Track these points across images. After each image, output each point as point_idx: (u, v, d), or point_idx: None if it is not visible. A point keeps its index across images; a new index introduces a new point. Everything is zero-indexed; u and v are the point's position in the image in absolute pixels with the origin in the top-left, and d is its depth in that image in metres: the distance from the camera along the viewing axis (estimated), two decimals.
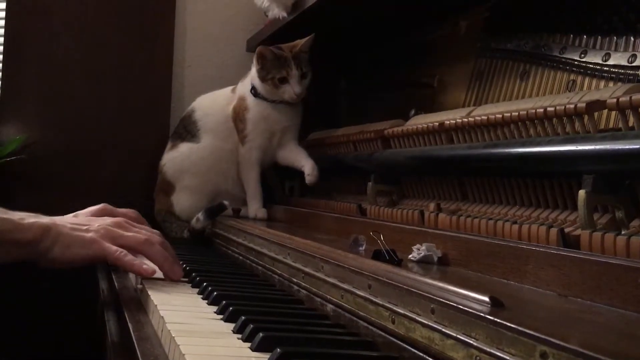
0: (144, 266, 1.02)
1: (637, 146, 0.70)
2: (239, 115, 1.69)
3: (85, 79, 1.94)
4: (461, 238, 0.87)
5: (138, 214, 1.20)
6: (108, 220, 1.09)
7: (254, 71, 1.67)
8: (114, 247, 1.03)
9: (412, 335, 0.62)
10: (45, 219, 1.02)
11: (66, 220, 1.06)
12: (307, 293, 0.90)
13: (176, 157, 1.73)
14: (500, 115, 0.95)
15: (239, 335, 0.70)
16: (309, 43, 1.61)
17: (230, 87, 1.78)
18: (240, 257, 1.26)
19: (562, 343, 0.45)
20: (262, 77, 1.63)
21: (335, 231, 1.24)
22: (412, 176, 1.21)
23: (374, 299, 0.71)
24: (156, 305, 0.81)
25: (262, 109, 1.67)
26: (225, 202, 1.54)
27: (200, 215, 1.53)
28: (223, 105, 1.74)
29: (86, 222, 1.07)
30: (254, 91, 1.67)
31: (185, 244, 1.51)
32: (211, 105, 1.76)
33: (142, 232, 1.09)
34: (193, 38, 2.05)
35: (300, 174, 1.66)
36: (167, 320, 0.73)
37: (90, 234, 1.03)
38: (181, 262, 1.14)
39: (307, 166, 1.60)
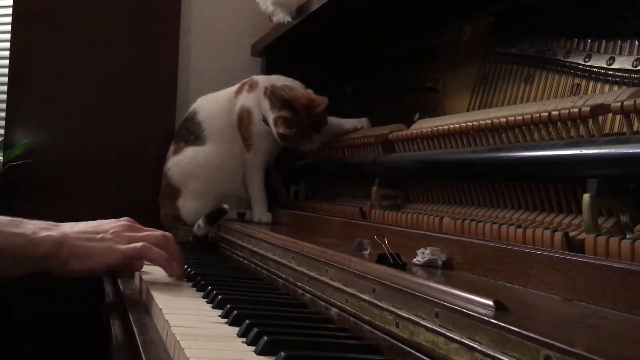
0: (173, 263, 1.05)
1: None
2: (244, 125, 1.69)
3: (91, 84, 1.95)
4: (465, 242, 0.87)
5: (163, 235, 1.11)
6: (117, 223, 1.08)
7: (261, 102, 1.63)
8: (132, 245, 1.03)
9: (416, 339, 0.62)
10: (56, 231, 1.01)
11: (76, 230, 1.05)
12: (312, 297, 0.90)
13: (181, 161, 1.72)
14: (504, 119, 0.95)
15: (244, 339, 0.70)
16: (326, 107, 1.55)
17: (232, 89, 1.76)
18: (245, 261, 1.26)
19: (566, 347, 0.45)
20: (283, 140, 1.59)
21: (339, 235, 1.24)
22: (416, 180, 1.21)
23: (378, 303, 0.71)
24: (161, 309, 0.81)
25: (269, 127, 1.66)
26: (225, 206, 1.52)
27: (200, 222, 1.52)
28: (226, 107, 1.73)
29: (95, 228, 1.06)
30: (266, 122, 1.63)
31: (190, 248, 1.50)
32: (214, 107, 1.75)
33: (156, 231, 1.09)
34: (198, 42, 2.06)
35: (303, 177, 1.65)
36: (172, 324, 0.73)
37: (106, 243, 1.03)
38: (186, 266, 1.14)
39: None
